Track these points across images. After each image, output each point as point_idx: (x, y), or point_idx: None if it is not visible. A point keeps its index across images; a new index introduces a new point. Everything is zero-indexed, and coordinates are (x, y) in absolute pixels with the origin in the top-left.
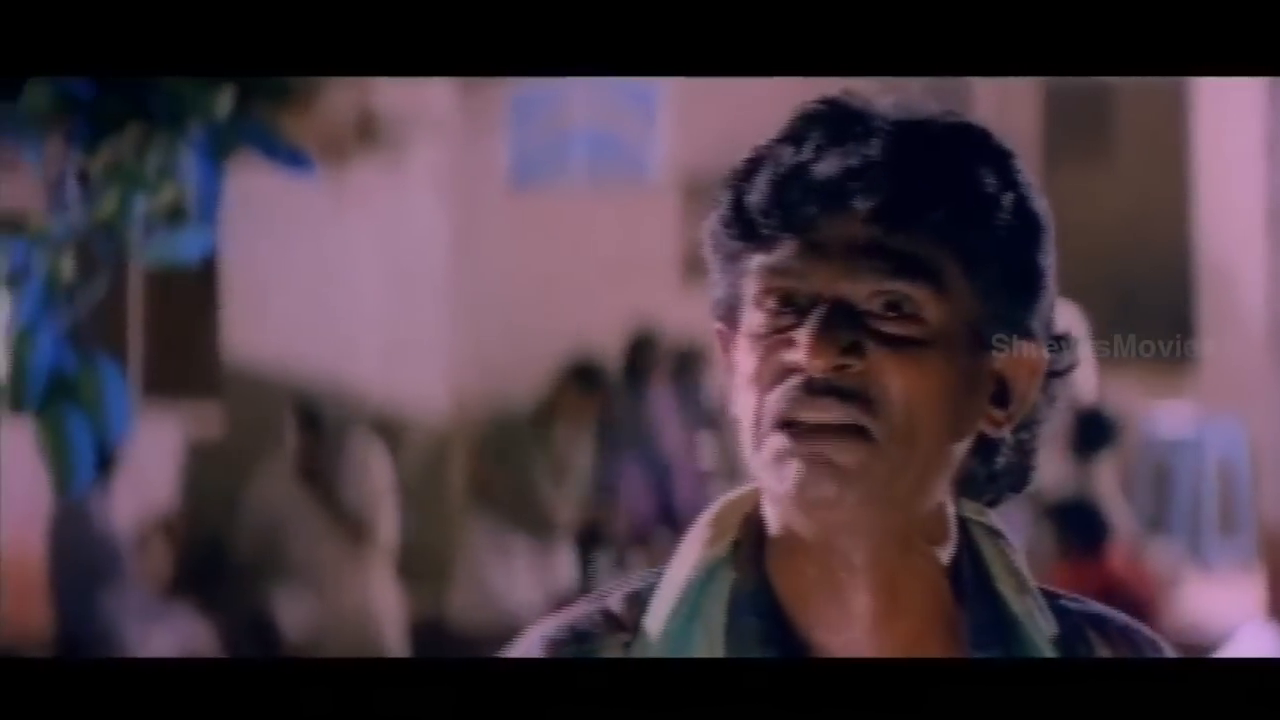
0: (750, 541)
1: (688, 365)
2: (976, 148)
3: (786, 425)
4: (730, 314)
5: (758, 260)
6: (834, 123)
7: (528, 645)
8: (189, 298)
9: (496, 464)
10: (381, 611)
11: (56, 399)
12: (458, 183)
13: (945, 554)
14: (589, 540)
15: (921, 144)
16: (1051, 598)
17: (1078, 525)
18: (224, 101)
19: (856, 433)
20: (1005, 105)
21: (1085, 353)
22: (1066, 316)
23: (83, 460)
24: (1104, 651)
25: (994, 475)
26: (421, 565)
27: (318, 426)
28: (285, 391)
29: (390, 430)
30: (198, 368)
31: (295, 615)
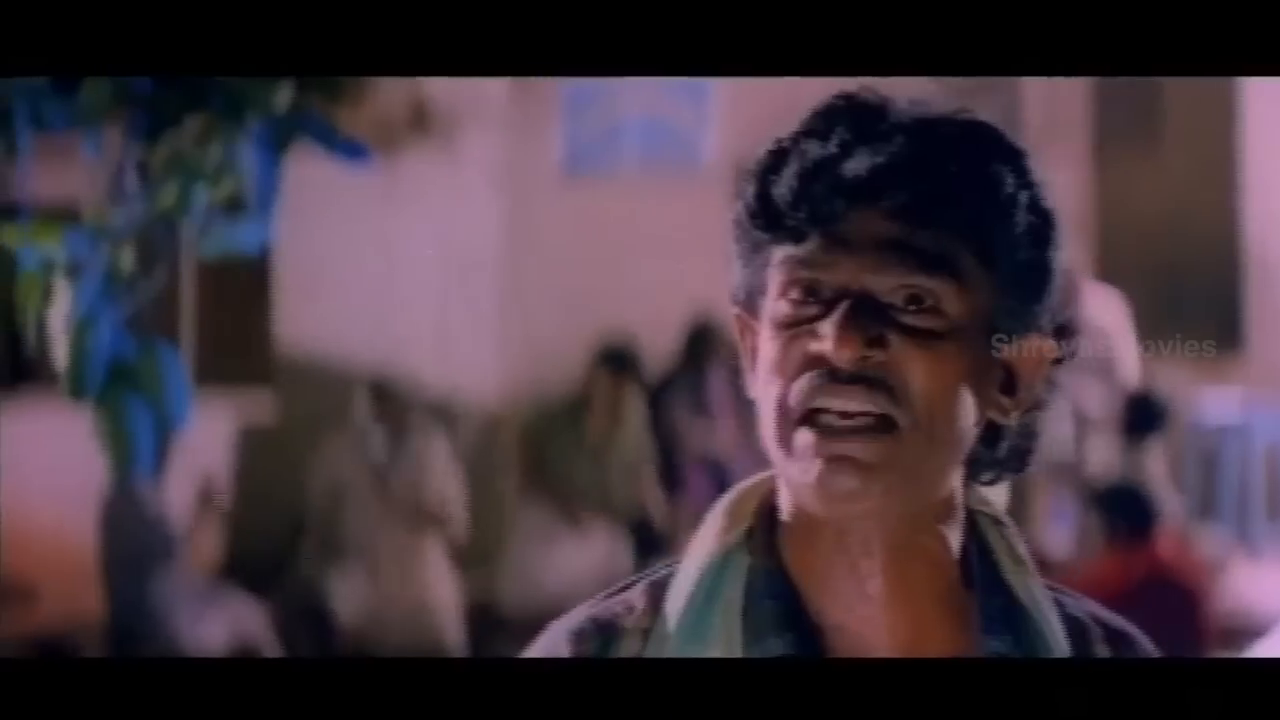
0: (765, 528)
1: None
2: (992, 146)
3: (811, 415)
4: (750, 301)
5: (783, 252)
6: (855, 118)
7: (552, 639)
8: (243, 286)
9: (537, 451)
10: (438, 598)
11: (116, 386)
12: (510, 172)
13: (955, 538)
14: (642, 527)
15: (940, 142)
16: (1052, 593)
17: (1126, 511)
18: (283, 95)
19: (880, 424)
20: (1054, 97)
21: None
22: (1111, 303)
23: (142, 445)
24: (1102, 649)
25: (998, 459)
26: (473, 552)
27: (387, 409)
28: (338, 379)
29: (442, 418)
30: (251, 356)
31: (351, 601)
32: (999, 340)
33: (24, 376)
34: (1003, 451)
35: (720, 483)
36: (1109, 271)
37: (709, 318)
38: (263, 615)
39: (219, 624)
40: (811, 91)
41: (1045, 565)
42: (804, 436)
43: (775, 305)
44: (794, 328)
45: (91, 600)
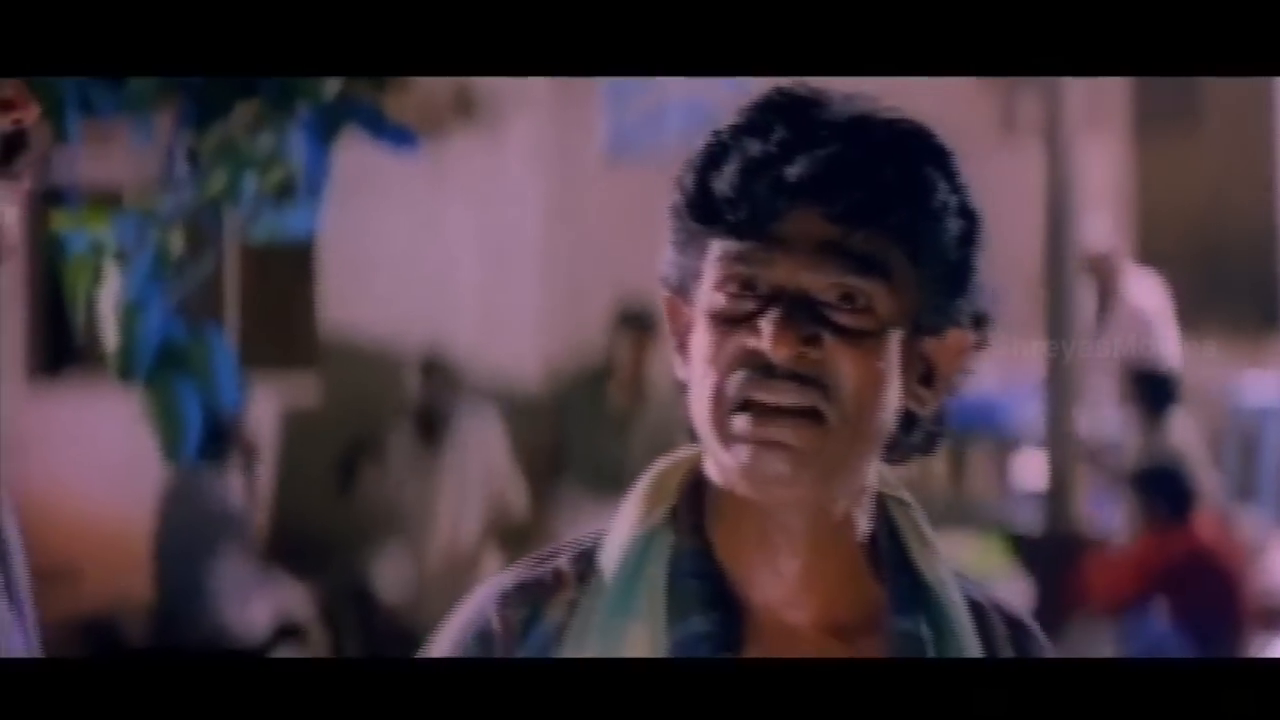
0: (689, 506)
1: None
2: (923, 149)
3: (745, 406)
4: (682, 286)
5: (721, 246)
6: (792, 115)
7: (479, 602)
8: (287, 270)
9: (562, 427)
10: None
11: (165, 369)
12: (554, 155)
13: (865, 522)
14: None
15: (875, 145)
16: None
17: (1165, 493)
18: (332, 83)
19: (811, 415)
20: (1095, 82)
21: (1169, 324)
22: (1150, 287)
23: (191, 427)
24: (1002, 632)
25: (911, 444)
26: (518, 532)
27: (436, 388)
28: (382, 362)
29: (488, 399)
30: (295, 339)
31: (395, 581)
32: (922, 335)
33: (66, 362)
34: (916, 437)
35: None
36: (1149, 255)
37: None
38: (307, 597)
39: (263, 606)
40: (847, 84)
41: (1086, 545)
42: (738, 422)
43: (712, 297)
44: (730, 322)
45: (133, 582)
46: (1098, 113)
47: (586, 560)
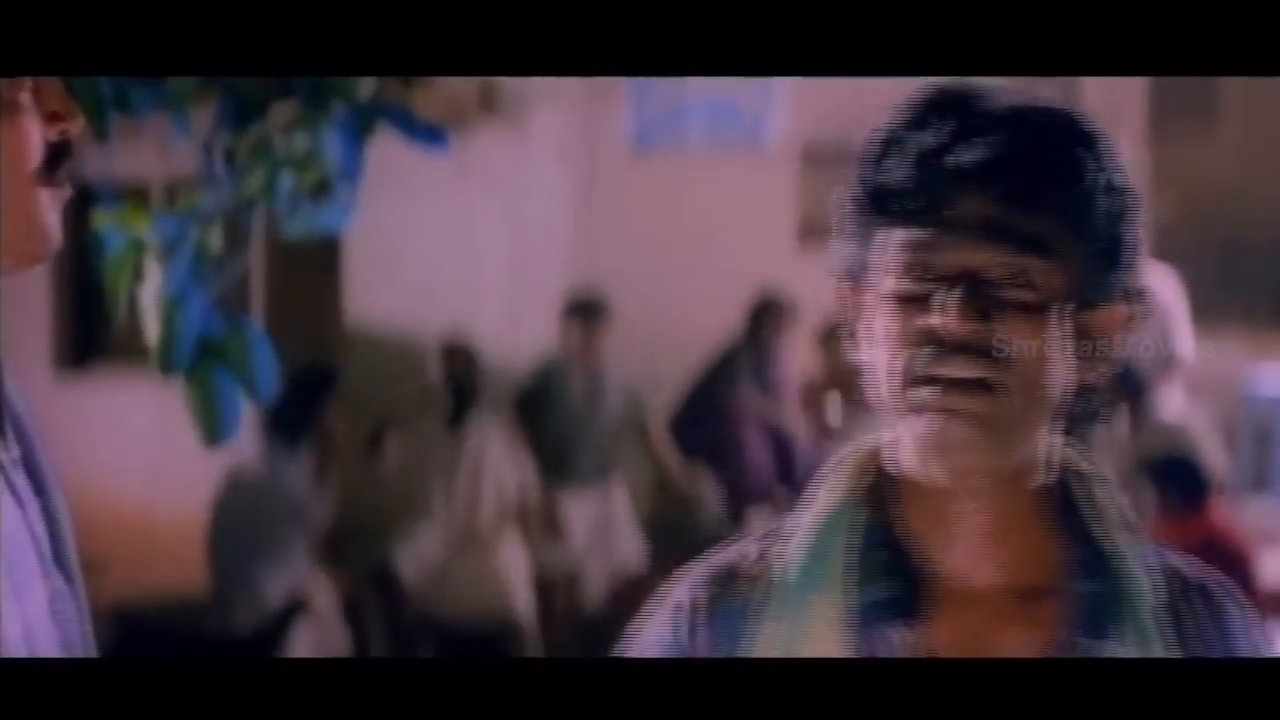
0: (875, 484)
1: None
2: (1078, 132)
3: (926, 381)
4: (857, 276)
5: (896, 235)
6: (954, 110)
7: (680, 586)
8: (313, 264)
9: (534, 420)
10: (507, 566)
11: (204, 360)
12: (579, 149)
13: (1044, 489)
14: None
15: (1033, 131)
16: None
17: (1177, 482)
18: (366, 84)
19: (987, 387)
20: (1113, 79)
21: (1185, 317)
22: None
23: (230, 415)
24: (1183, 593)
25: (1083, 414)
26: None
27: (458, 376)
28: (407, 354)
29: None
30: (322, 332)
31: (418, 566)
32: (1085, 308)
33: (91, 354)
34: (1087, 407)
35: (780, 452)
36: (1166, 252)
37: (773, 293)
38: (330, 583)
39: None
40: (871, 82)
41: None
42: (919, 395)
43: (889, 282)
44: (909, 303)
45: (159, 575)
46: (1115, 112)
47: (776, 541)
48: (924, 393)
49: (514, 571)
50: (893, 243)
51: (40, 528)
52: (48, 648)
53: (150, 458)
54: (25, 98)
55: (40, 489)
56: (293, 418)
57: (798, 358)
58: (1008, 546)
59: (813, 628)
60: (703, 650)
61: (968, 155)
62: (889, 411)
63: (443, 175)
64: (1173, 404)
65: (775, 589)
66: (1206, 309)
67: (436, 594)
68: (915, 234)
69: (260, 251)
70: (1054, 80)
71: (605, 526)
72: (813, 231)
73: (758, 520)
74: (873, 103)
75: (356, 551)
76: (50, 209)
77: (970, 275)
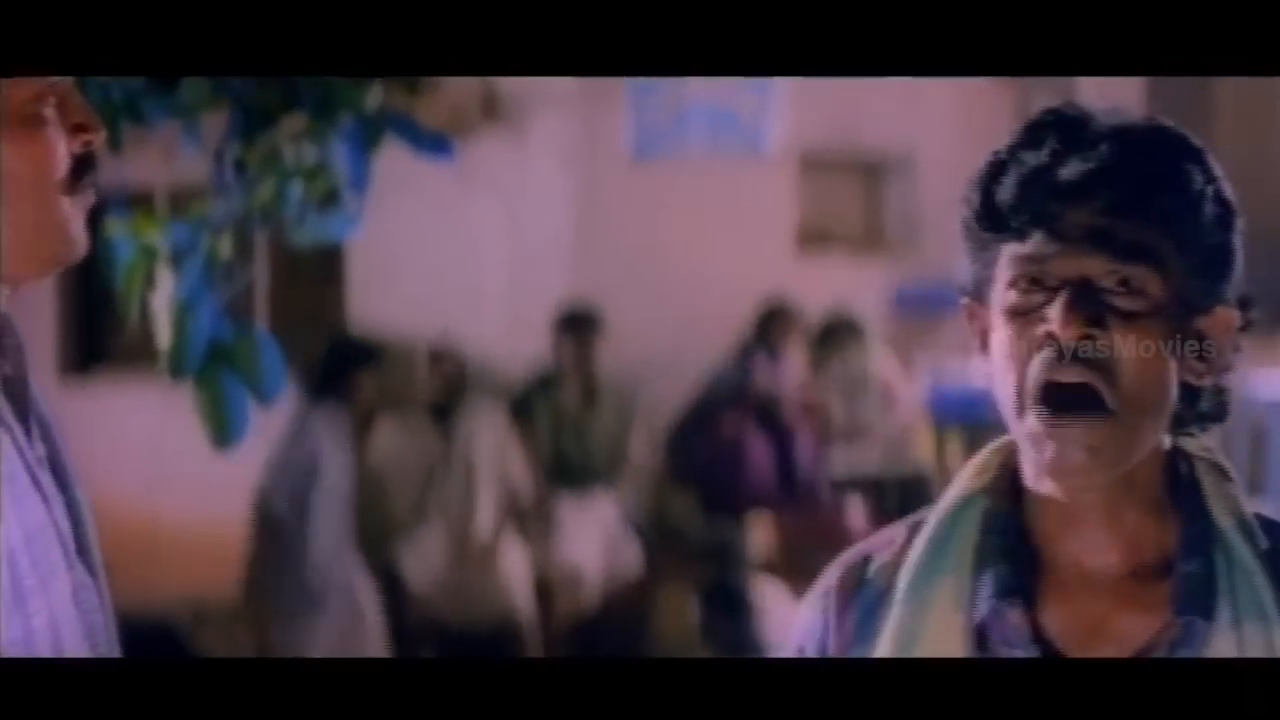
0: (1004, 478)
1: (831, 336)
2: (1180, 148)
3: (1043, 391)
4: (979, 291)
5: (1010, 249)
6: (1062, 130)
7: (829, 574)
8: (315, 270)
9: (531, 424)
10: (509, 568)
11: (214, 364)
12: (579, 156)
13: (1163, 478)
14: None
15: (1137, 146)
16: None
17: None
18: (374, 96)
19: (1098, 406)
20: (1107, 86)
21: None
22: None
23: (239, 418)
24: None
25: (1198, 414)
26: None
27: (450, 376)
28: (407, 358)
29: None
30: (324, 337)
31: (421, 568)
32: (1193, 314)
33: (95, 359)
34: (1201, 408)
35: (783, 458)
36: None
37: (781, 300)
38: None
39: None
40: (871, 87)
41: None
42: (1034, 424)
43: (1005, 295)
44: (1024, 315)
45: (164, 579)
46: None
47: (916, 528)
48: (1038, 424)
49: (514, 574)
50: (1006, 257)
51: (64, 523)
52: (72, 638)
53: (154, 461)
54: (50, 112)
55: (64, 486)
56: (327, 384)
57: (800, 363)
58: (1122, 532)
59: (936, 611)
60: (845, 633)
61: (1070, 170)
62: (1011, 426)
63: (443, 181)
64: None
65: (907, 571)
66: None
67: (440, 598)
68: (1026, 247)
69: (264, 258)
70: (1049, 81)
71: (603, 531)
72: (811, 238)
73: (758, 526)
74: (871, 110)
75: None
76: (75, 217)
77: (1079, 282)
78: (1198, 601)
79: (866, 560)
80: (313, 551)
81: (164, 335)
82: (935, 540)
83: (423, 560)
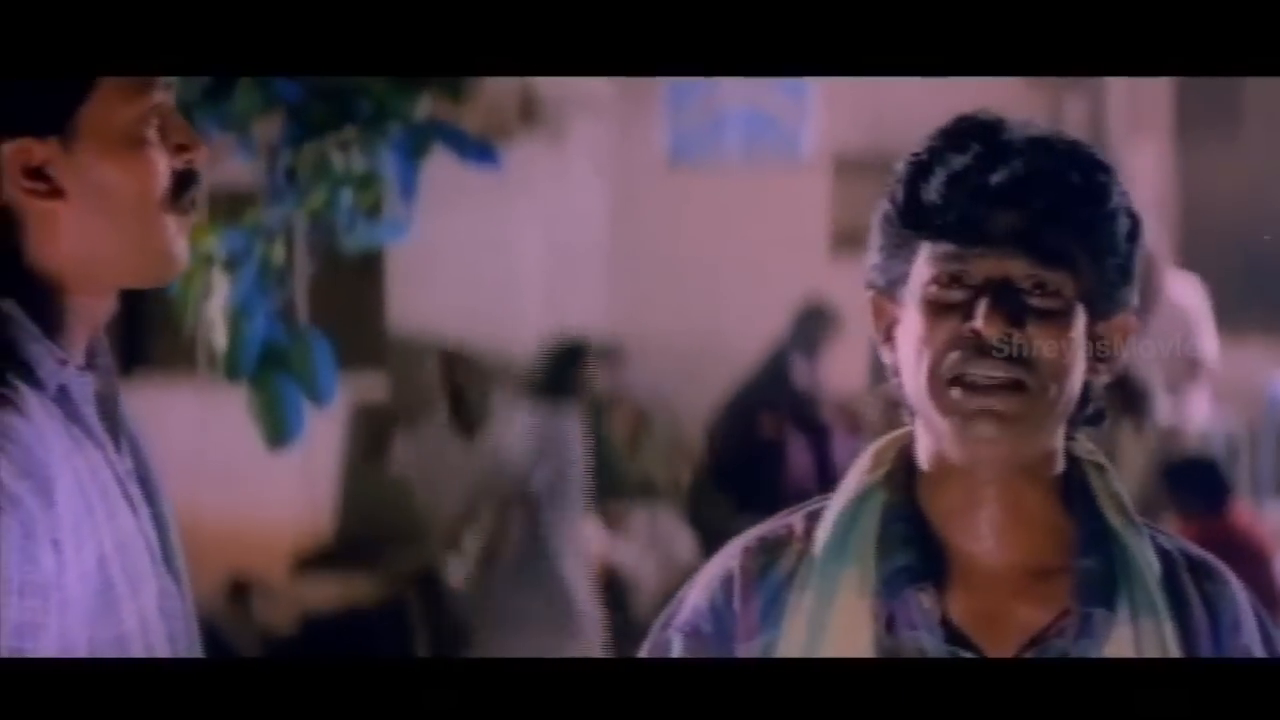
0: (902, 470)
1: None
2: (1093, 161)
3: (958, 380)
4: (890, 286)
5: (932, 247)
6: (981, 135)
7: (729, 549)
8: (357, 274)
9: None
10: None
11: (268, 367)
12: (616, 161)
13: (1057, 477)
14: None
15: (1055, 157)
16: (1146, 529)
17: (1198, 486)
18: (422, 105)
19: (1015, 385)
20: (1137, 86)
21: (1209, 323)
22: (1190, 288)
23: (293, 418)
24: (1187, 577)
25: (1087, 415)
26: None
27: (465, 379)
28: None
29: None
30: (365, 341)
31: (460, 567)
32: (1097, 318)
33: (136, 362)
34: (1091, 408)
35: (822, 458)
36: (1190, 256)
37: (818, 300)
38: (371, 585)
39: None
40: (907, 90)
41: None
42: (953, 394)
43: (926, 290)
44: (943, 309)
45: (206, 579)
46: (1140, 114)
47: (815, 518)
48: (957, 392)
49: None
50: (927, 255)
51: (151, 533)
52: (159, 640)
53: (194, 463)
54: (152, 133)
55: (150, 497)
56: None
57: (839, 363)
58: (1022, 528)
59: (841, 598)
60: (750, 618)
61: (998, 176)
62: (920, 408)
63: (482, 185)
64: (1196, 408)
65: (811, 561)
66: (1229, 313)
67: (470, 600)
68: (949, 246)
69: (302, 261)
70: (1080, 82)
71: (655, 535)
72: (846, 241)
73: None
74: (906, 114)
75: (402, 559)
76: (179, 235)
77: (1001, 284)
78: (1098, 594)
79: (769, 546)
80: (555, 538)
81: (220, 340)
82: (838, 531)
83: (461, 562)
